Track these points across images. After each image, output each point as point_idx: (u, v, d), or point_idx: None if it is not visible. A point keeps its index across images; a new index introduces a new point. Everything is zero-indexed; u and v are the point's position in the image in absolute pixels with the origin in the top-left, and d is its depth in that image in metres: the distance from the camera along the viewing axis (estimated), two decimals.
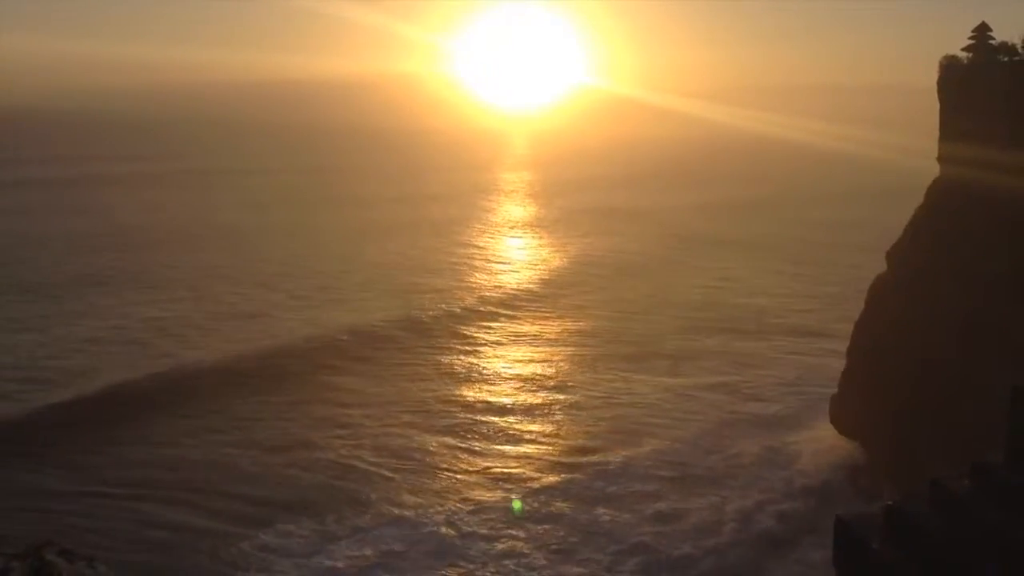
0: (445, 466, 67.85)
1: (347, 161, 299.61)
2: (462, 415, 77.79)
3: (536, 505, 61.44)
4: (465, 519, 59.54)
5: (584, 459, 69.06)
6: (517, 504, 57.68)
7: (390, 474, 66.07)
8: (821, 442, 71.26)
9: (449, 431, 74.30)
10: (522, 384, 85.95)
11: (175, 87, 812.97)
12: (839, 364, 72.88)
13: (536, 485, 64.53)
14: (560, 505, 61.52)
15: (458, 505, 61.50)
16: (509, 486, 64.33)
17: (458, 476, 66.09)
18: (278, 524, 58.07)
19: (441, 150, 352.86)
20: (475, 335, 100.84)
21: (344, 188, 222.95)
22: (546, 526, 58.82)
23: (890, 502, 11.05)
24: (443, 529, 58.10)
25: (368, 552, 54.97)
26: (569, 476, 66.05)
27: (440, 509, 60.74)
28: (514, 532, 57.99)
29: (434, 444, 71.63)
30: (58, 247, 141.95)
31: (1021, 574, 8.38)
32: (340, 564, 53.76)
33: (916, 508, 10.66)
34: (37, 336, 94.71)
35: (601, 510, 60.83)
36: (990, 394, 37.03)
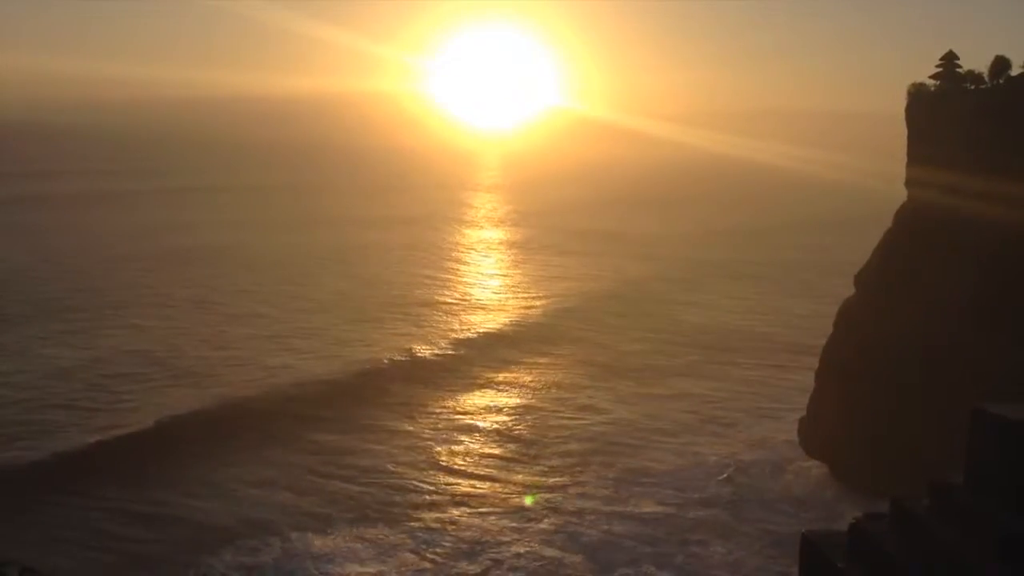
0: (423, 485, 67.84)
1: (322, 179, 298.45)
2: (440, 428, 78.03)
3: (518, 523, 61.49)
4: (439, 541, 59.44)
5: (563, 480, 69.09)
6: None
7: (359, 491, 65.96)
8: (789, 462, 71.82)
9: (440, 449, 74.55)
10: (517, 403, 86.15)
11: (151, 103, 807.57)
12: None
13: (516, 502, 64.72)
14: (545, 529, 61.44)
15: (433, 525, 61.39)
16: (488, 507, 64.40)
17: (433, 496, 66.03)
18: (243, 541, 57.83)
19: (416, 169, 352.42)
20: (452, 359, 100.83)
21: (320, 208, 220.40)
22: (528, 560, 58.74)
23: (853, 521, 11.26)
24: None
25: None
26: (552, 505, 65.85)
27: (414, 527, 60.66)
28: (495, 553, 57.92)
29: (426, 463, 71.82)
30: (44, 270, 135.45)
31: None
32: None
33: (878, 528, 10.88)
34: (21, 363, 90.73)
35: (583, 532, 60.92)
36: (953, 416, 37.55)
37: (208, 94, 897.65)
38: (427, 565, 55.86)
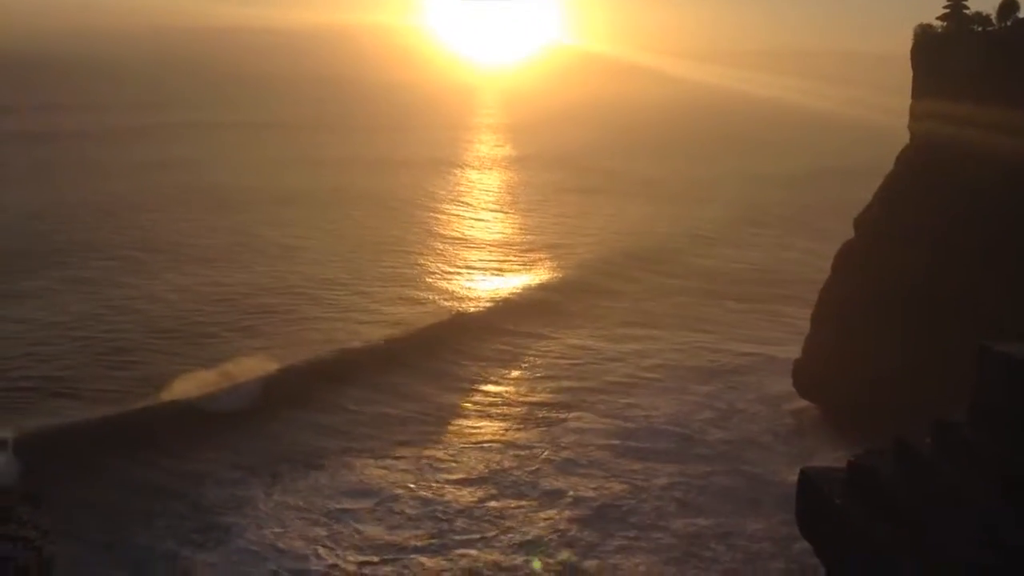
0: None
1: (323, 115, 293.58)
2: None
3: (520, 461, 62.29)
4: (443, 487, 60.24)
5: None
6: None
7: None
8: (783, 403, 72.52)
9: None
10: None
11: (147, 33, 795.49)
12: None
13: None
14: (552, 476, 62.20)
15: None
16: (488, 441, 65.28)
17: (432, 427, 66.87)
18: (229, 474, 58.50)
19: (418, 106, 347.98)
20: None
21: (323, 146, 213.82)
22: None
23: (852, 458, 11.42)
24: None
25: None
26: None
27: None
28: (493, 497, 58.66)
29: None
30: (67, 211, 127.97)
31: (980, 529, 8.73)
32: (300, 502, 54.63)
33: (879, 464, 11.05)
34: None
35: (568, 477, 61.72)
36: (953, 359, 37.81)
37: (206, 25, 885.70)
38: (425, 494, 56.75)
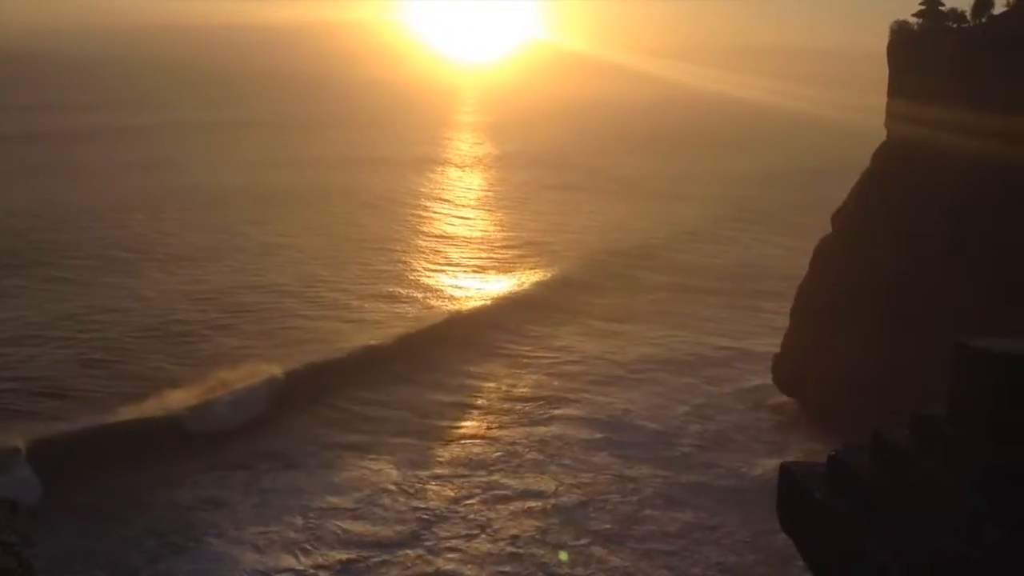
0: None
1: (302, 113, 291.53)
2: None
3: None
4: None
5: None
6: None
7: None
8: (763, 399, 72.94)
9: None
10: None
11: (121, 31, 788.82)
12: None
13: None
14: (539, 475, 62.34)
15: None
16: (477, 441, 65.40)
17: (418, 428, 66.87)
18: (211, 473, 58.46)
19: (397, 104, 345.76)
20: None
21: (303, 146, 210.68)
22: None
23: (832, 452, 11.51)
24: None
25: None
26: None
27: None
28: (476, 494, 58.78)
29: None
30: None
31: (960, 526, 8.86)
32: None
33: (858, 459, 11.16)
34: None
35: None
36: (926, 354, 38.15)
37: (186, 22, 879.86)
38: (408, 492, 56.77)
